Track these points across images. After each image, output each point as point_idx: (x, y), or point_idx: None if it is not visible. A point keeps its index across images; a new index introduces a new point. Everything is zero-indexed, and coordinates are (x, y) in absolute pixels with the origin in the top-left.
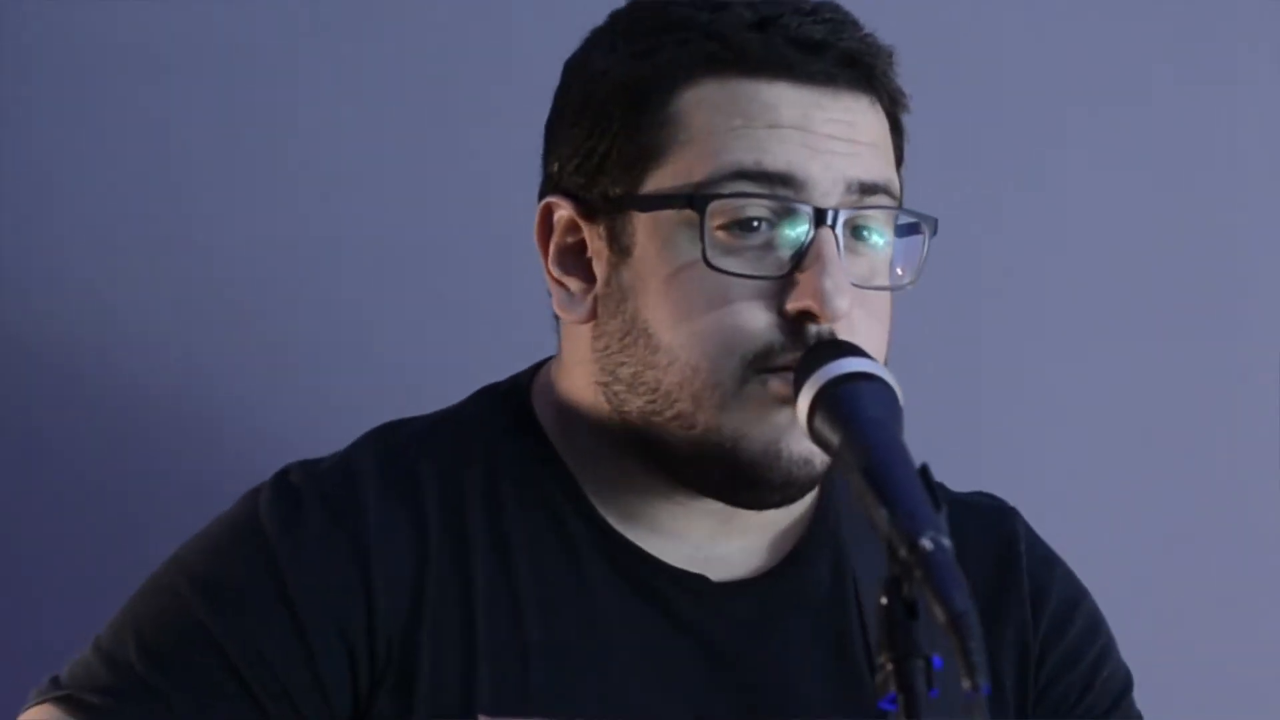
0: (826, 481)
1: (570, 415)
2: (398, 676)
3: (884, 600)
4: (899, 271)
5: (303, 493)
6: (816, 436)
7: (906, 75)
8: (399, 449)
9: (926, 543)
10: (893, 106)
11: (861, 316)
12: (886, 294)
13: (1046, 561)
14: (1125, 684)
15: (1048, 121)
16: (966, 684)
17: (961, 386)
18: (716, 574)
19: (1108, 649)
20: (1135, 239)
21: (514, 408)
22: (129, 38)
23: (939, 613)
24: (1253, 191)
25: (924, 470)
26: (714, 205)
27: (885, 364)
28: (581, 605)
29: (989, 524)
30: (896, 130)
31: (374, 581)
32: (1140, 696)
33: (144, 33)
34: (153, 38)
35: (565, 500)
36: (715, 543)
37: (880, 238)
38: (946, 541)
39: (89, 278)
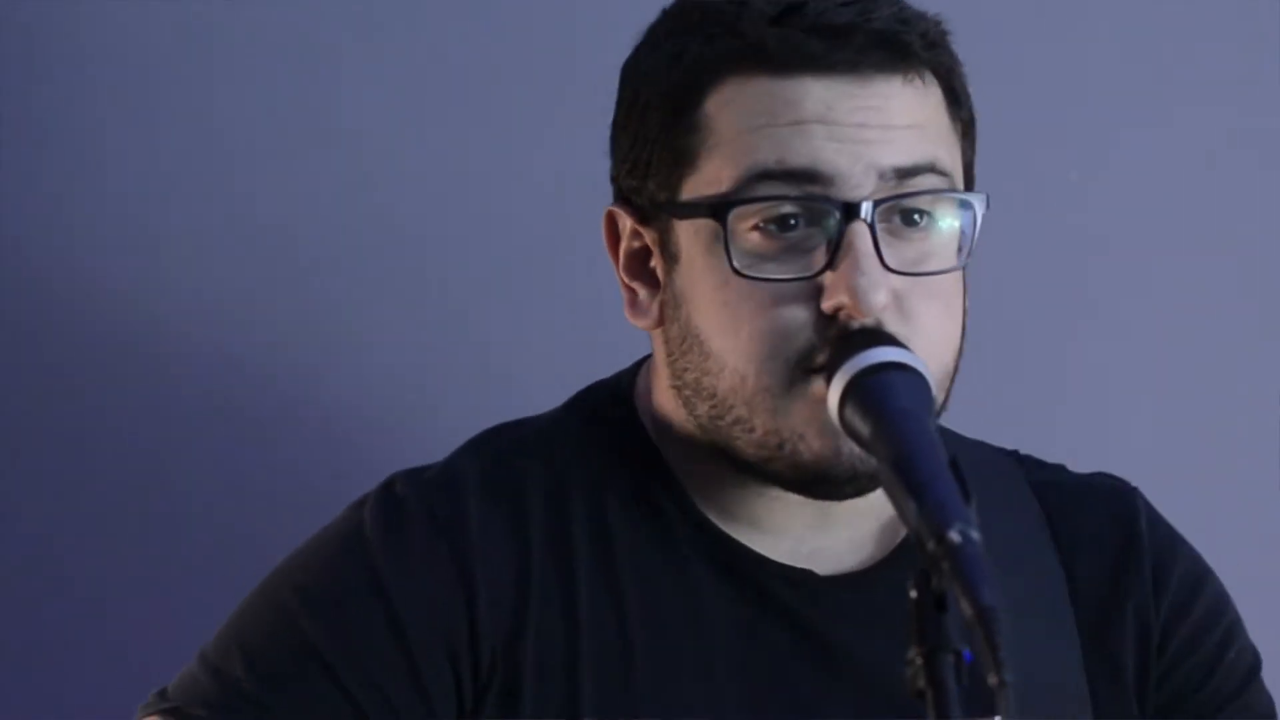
0: None
1: (662, 416)
2: (502, 686)
3: (913, 593)
4: (963, 251)
5: (406, 504)
6: (848, 428)
7: None
8: (503, 455)
9: (955, 535)
10: (947, 77)
11: (917, 302)
12: (951, 276)
13: (1168, 541)
14: (1253, 665)
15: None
16: (992, 679)
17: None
18: (823, 568)
19: (1233, 630)
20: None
21: (618, 409)
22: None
23: (965, 606)
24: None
25: (954, 462)
26: (736, 211)
27: (960, 347)
28: (686, 606)
29: (1108, 505)
30: (955, 101)
31: (477, 593)
32: None
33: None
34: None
35: (668, 500)
36: (818, 535)
37: (937, 219)
38: (975, 534)
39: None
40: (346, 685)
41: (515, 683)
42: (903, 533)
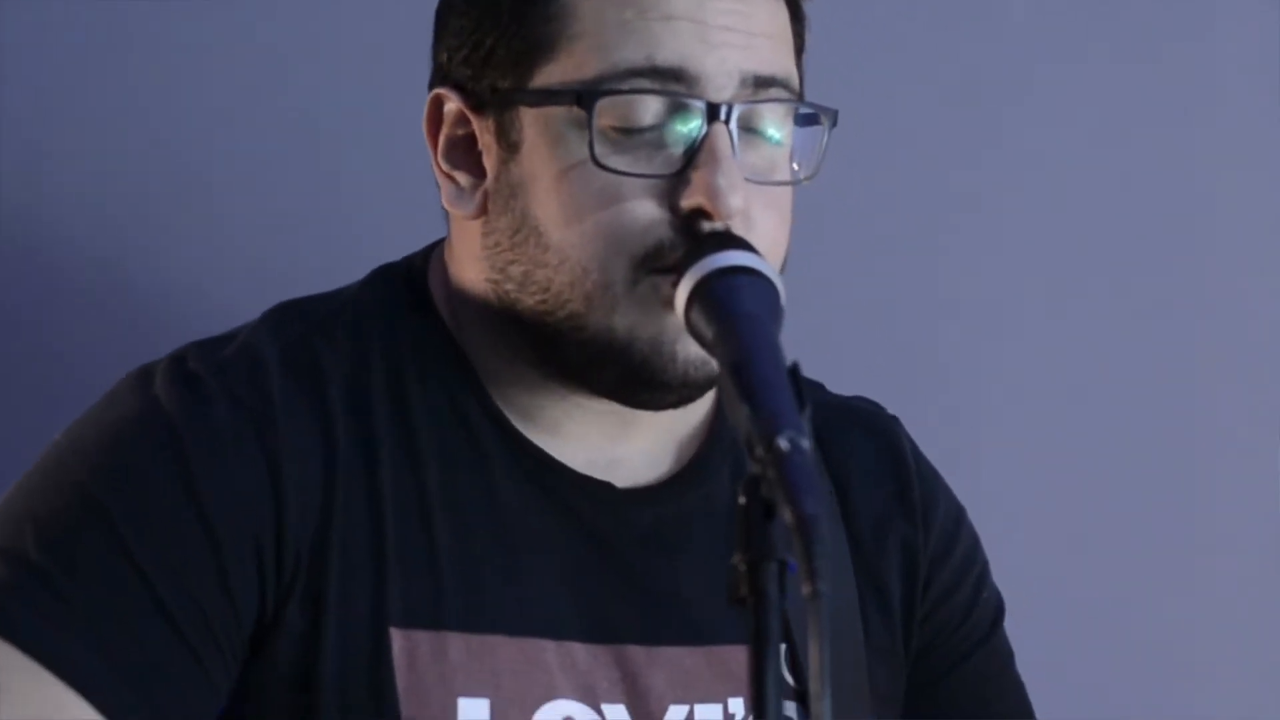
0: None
1: (464, 308)
2: (307, 588)
3: (741, 499)
4: (796, 166)
5: (205, 384)
6: (693, 329)
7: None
8: (301, 339)
9: (784, 442)
10: None
11: (760, 211)
12: (786, 189)
13: (932, 476)
14: (999, 608)
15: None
16: (806, 589)
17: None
18: (621, 480)
19: (986, 571)
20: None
21: (412, 293)
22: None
23: (788, 514)
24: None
25: (794, 370)
26: (603, 103)
27: (785, 260)
28: (489, 511)
29: (875, 431)
30: (796, 18)
31: (286, 490)
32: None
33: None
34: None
35: (469, 396)
36: (617, 446)
37: (777, 131)
38: (806, 443)
39: None
40: (144, 569)
41: (320, 585)
42: (696, 447)
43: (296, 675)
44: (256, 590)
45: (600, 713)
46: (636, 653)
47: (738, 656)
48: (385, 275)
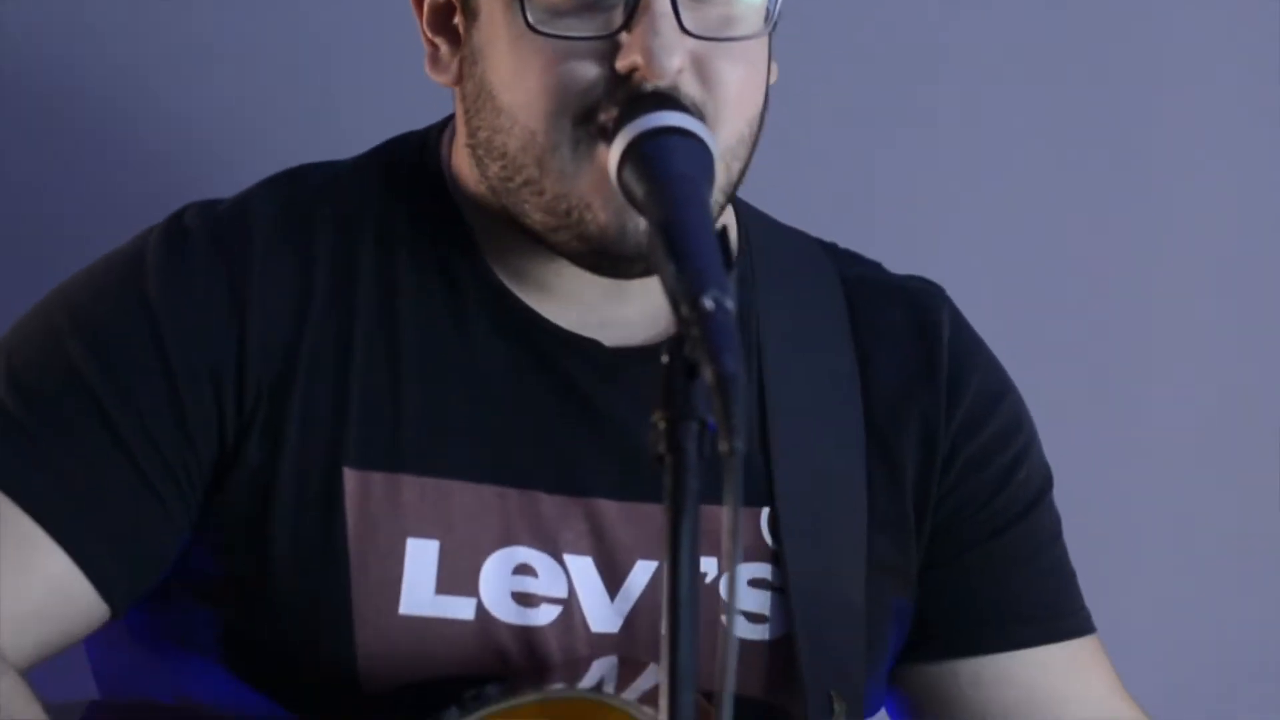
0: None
1: (460, 173)
2: (266, 425)
3: (665, 358)
4: (769, 18)
5: (192, 232)
6: (625, 189)
7: None
8: (299, 196)
9: (708, 301)
10: None
11: (721, 66)
12: (760, 41)
13: (971, 352)
14: (1042, 487)
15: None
16: (724, 447)
17: None
18: (611, 339)
19: (1027, 449)
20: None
21: (422, 160)
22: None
23: (707, 373)
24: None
25: (723, 232)
26: None
27: (761, 115)
28: (462, 362)
29: (913, 306)
30: None
31: (249, 326)
32: None
33: None
34: None
35: (460, 256)
36: (611, 306)
37: None
38: (730, 303)
39: None
40: (104, 407)
41: (279, 423)
42: None
43: (251, 512)
44: (215, 427)
45: (562, 563)
46: (608, 507)
47: (713, 516)
48: (398, 142)
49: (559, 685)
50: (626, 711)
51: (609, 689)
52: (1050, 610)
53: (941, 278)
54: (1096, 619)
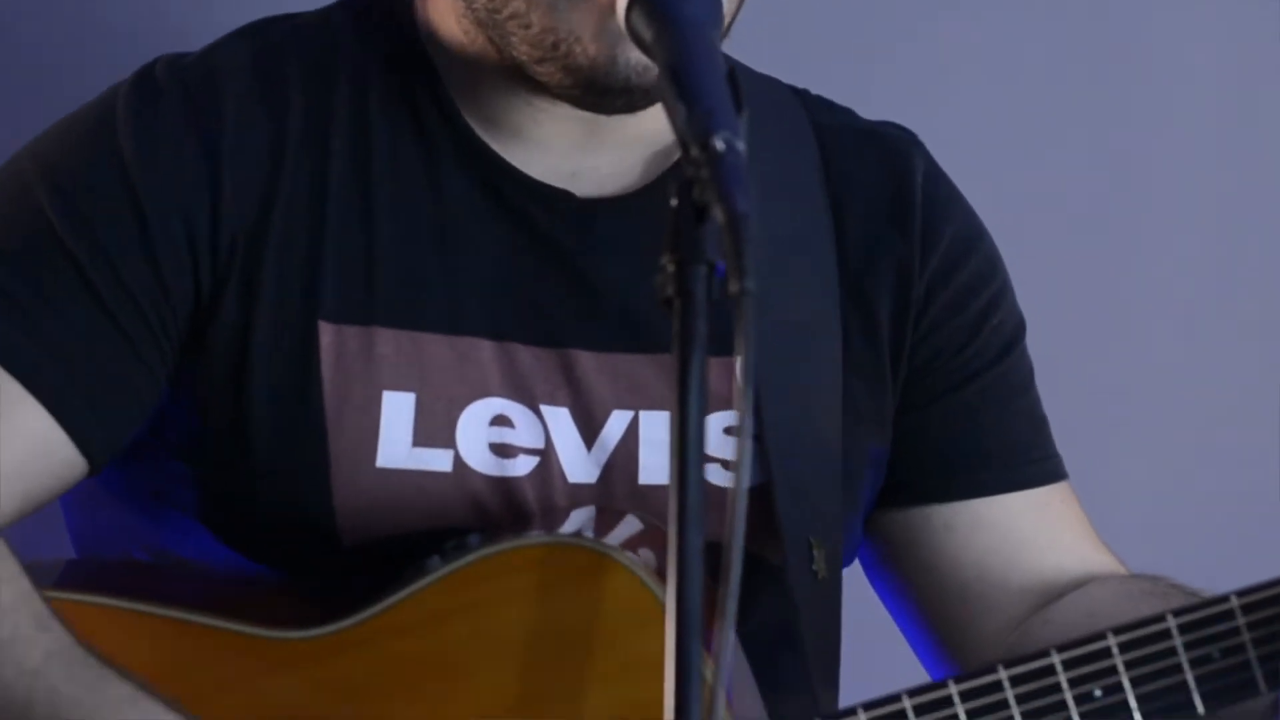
0: None
1: (435, 16)
2: (242, 277)
3: (674, 201)
4: None
5: (163, 84)
6: (633, 31)
7: None
8: (270, 45)
9: (719, 142)
10: None
11: None
12: None
13: (945, 198)
14: (1015, 333)
15: None
16: (734, 286)
17: None
18: (583, 189)
19: (1001, 295)
20: None
21: (391, 6)
22: None
23: (719, 212)
24: None
25: (731, 74)
26: None
27: None
28: (436, 215)
29: (885, 152)
30: None
31: (223, 175)
32: None
33: None
34: None
35: (431, 104)
36: (583, 154)
37: None
38: (741, 145)
39: None
40: (78, 260)
41: (255, 275)
42: (671, 161)
43: (227, 366)
44: (191, 280)
45: (539, 413)
46: (584, 357)
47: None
48: None
49: (538, 533)
50: (626, 566)
51: (587, 534)
52: (1023, 456)
53: None
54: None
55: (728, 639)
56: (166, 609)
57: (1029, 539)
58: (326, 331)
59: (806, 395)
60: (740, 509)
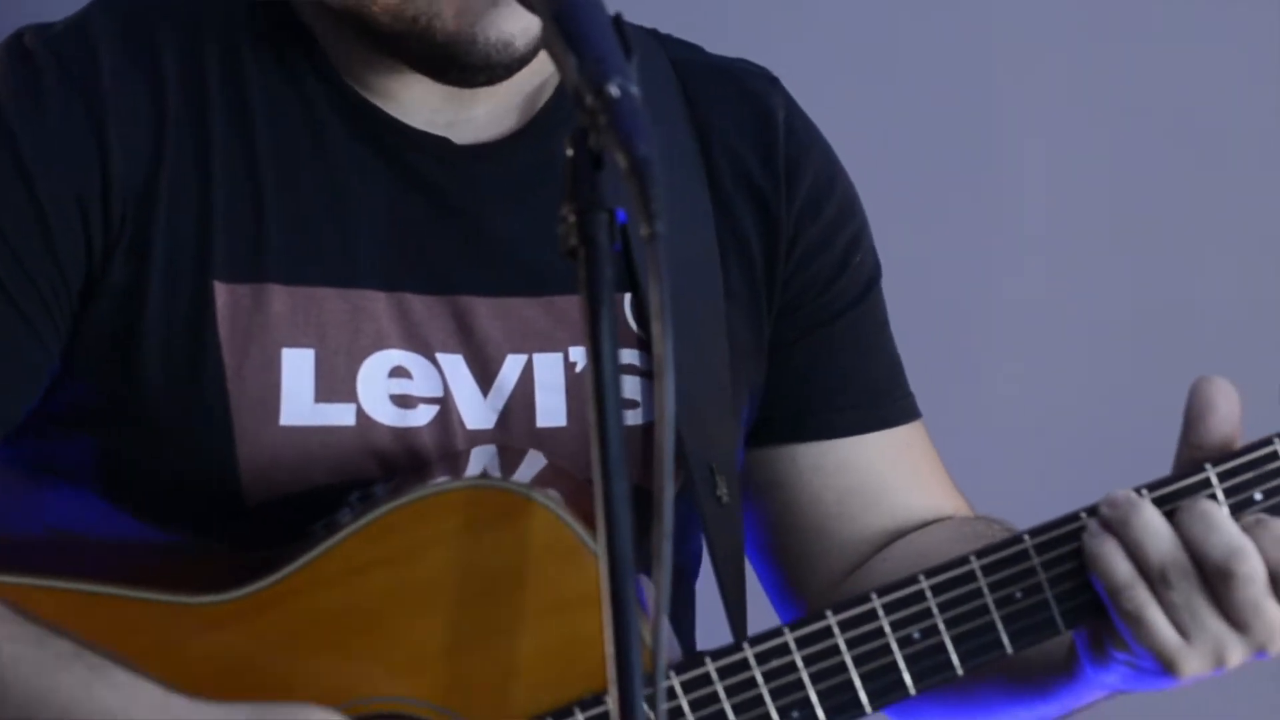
0: None
1: None
2: (132, 241)
3: (570, 151)
4: None
5: (35, 55)
6: None
7: None
8: (141, 11)
9: (613, 89)
10: None
11: None
12: None
13: (806, 135)
14: (875, 272)
15: None
16: (644, 231)
17: None
18: (460, 137)
19: (862, 232)
20: None
21: None
22: None
23: (621, 159)
24: None
25: (618, 19)
26: None
27: None
28: (320, 169)
29: (745, 88)
30: None
31: (110, 143)
32: None
33: None
34: None
35: (304, 60)
36: (456, 109)
37: None
38: (634, 89)
39: None
40: None
41: (146, 238)
42: (542, 102)
43: (120, 330)
44: (83, 248)
45: (435, 362)
46: (474, 303)
47: (578, 306)
48: None
49: (444, 478)
50: (542, 504)
51: (493, 473)
52: (885, 395)
53: None
54: None
55: (663, 581)
56: (76, 584)
57: (887, 480)
58: (221, 291)
59: (695, 328)
60: (668, 446)
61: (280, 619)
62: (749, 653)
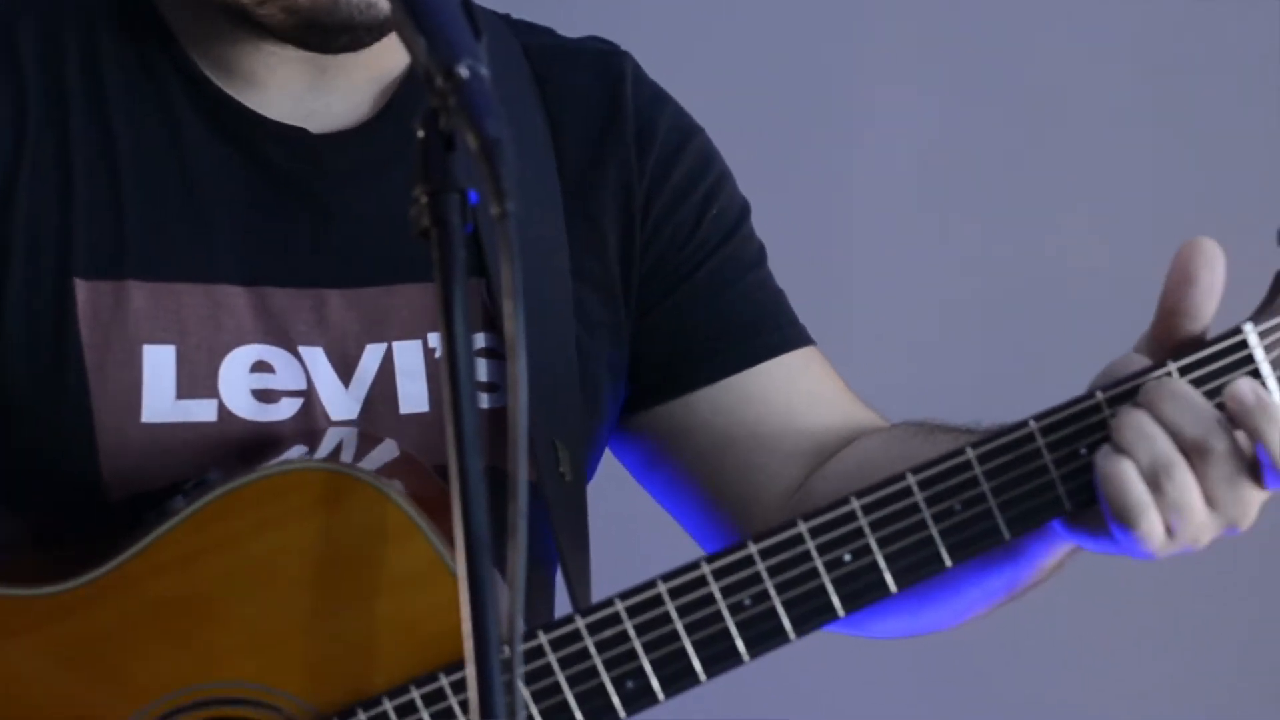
0: None
1: None
2: None
3: (420, 133)
4: None
5: None
6: None
7: None
8: (2, 8)
9: (463, 70)
10: None
11: None
12: None
13: (655, 101)
14: (739, 216)
15: None
16: (495, 211)
17: None
18: (318, 126)
19: (719, 185)
20: None
21: None
22: None
23: (471, 140)
24: None
25: (466, 2)
26: None
27: None
28: (178, 165)
29: (594, 66)
30: None
31: None
32: None
33: None
34: None
35: (160, 52)
36: (316, 94)
37: None
38: (484, 70)
39: None
40: None
41: (5, 236)
42: (397, 89)
43: None
44: None
45: (297, 355)
46: (332, 295)
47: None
48: None
49: (276, 461)
50: (371, 484)
51: (346, 457)
52: (768, 324)
53: None
54: None
55: (518, 560)
56: None
57: (793, 403)
58: (81, 289)
59: (542, 308)
60: (522, 427)
61: (113, 608)
62: (662, 588)
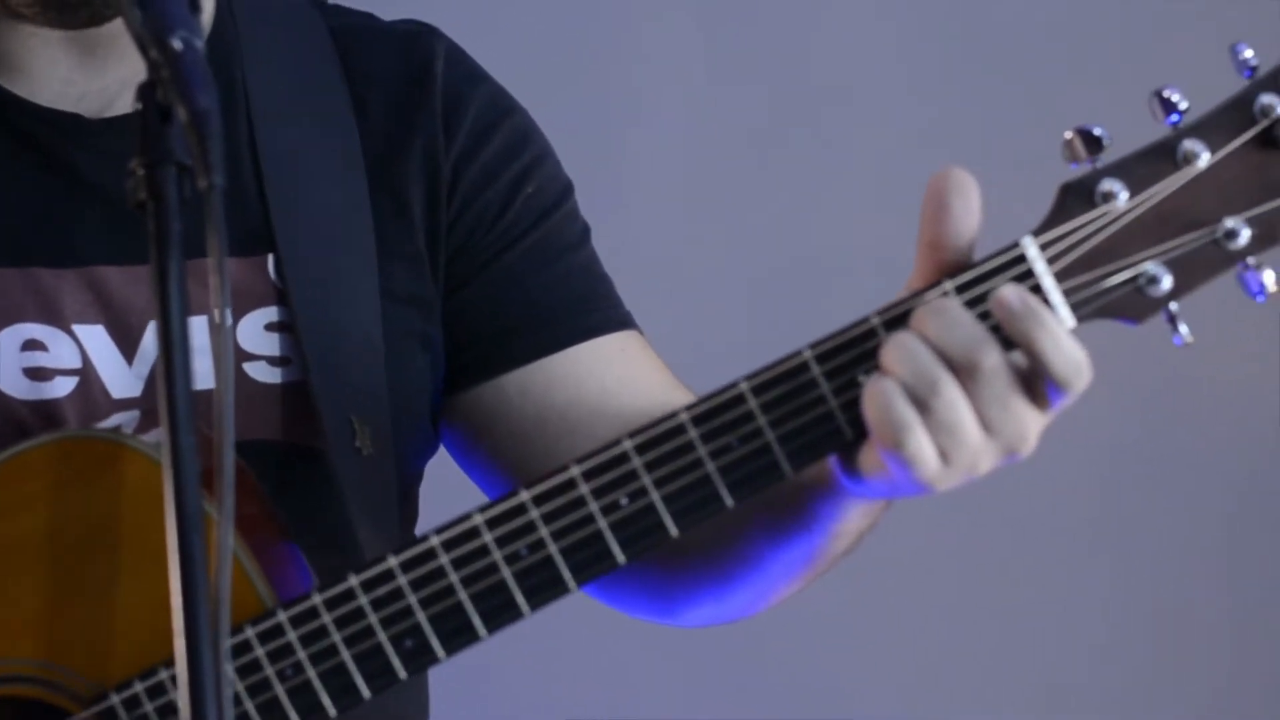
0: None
1: None
2: None
3: (138, 105)
4: None
5: None
6: None
7: None
8: None
9: (176, 42)
10: None
11: None
12: None
13: (469, 79)
14: (559, 197)
15: None
16: (202, 183)
17: None
18: (91, 111)
19: (537, 163)
20: None
21: None
22: None
23: (181, 112)
24: None
25: None
26: None
27: None
28: None
29: (403, 46)
30: None
31: None
32: None
33: None
34: None
35: None
36: (87, 78)
37: None
38: (199, 42)
39: None
40: None
41: None
42: None
43: None
44: None
45: (72, 333)
46: (109, 273)
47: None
48: None
49: (45, 435)
50: (141, 451)
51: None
52: (582, 307)
53: None
54: None
55: (227, 540)
56: None
57: (606, 387)
58: None
59: (341, 284)
60: (228, 404)
61: None
62: (435, 541)
